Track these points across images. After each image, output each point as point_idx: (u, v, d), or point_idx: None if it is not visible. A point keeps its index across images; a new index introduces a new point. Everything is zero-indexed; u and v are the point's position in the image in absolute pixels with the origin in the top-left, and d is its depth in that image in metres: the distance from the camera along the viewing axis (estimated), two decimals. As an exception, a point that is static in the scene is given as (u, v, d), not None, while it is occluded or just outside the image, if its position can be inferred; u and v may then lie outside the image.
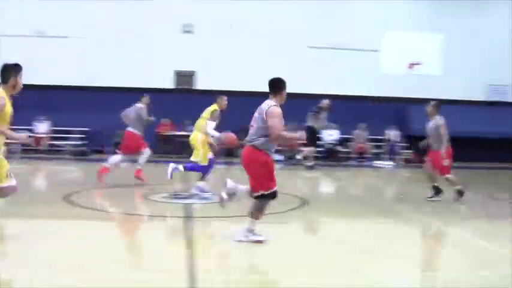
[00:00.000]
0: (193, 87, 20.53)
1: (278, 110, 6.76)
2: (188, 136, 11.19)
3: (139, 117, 12.05)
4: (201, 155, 10.52)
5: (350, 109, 20.79)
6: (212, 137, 10.37)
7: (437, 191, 10.88)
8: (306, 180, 15.58)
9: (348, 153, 20.60)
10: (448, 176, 10.78)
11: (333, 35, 20.13)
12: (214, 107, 10.62)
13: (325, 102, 17.20)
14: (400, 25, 18.73)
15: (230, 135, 9.01)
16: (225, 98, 10.74)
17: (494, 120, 21.71)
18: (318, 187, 14.86)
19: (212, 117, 10.47)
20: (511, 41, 22.54)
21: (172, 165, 10.50)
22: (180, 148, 17.23)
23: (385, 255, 6.66)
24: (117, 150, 12.55)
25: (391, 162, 19.71)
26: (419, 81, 20.19)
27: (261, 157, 6.75)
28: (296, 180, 15.09)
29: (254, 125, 6.86)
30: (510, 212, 10.77)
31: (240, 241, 6.74)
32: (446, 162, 10.63)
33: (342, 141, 20.68)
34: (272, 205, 6.96)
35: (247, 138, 6.92)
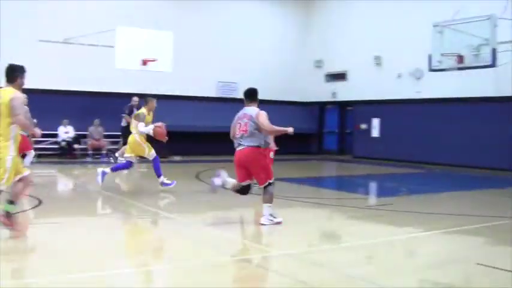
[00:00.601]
0: None
1: (264, 112, 8.38)
2: None
3: None
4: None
5: (85, 105, 20.63)
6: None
7: None
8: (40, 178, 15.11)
9: (85, 149, 20.38)
10: None
11: (65, 30, 19.69)
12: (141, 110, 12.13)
13: (135, 99, 17.97)
14: (132, 21, 19.01)
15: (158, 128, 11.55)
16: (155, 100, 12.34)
17: (223, 115, 23.25)
18: (54, 186, 14.50)
19: (138, 119, 11.93)
20: (238, 40, 24.42)
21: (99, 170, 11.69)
22: None
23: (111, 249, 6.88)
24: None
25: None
26: (153, 78, 20.79)
27: (261, 154, 8.37)
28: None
29: (246, 129, 8.20)
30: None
31: (264, 225, 8.27)
32: None
33: (78, 138, 20.40)
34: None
35: (243, 142, 8.24)
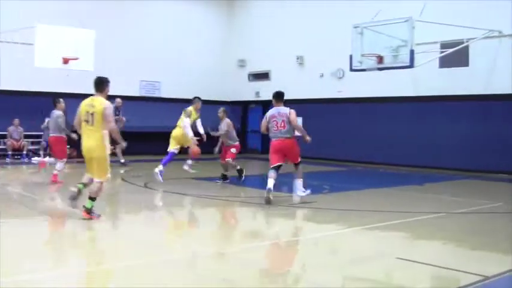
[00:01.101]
0: None
1: (294, 110, 10.91)
2: None
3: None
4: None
5: (3, 104, 19.97)
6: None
7: (225, 177, 13.83)
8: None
9: (4, 150, 19.72)
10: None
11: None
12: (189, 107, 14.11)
13: (119, 101, 18.62)
14: (53, 19, 18.51)
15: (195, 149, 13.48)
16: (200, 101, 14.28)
17: (147, 114, 23.08)
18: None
19: (185, 114, 13.92)
20: (161, 38, 24.23)
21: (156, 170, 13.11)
22: None
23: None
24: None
25: (50, 158, 19.46)
26: (75, 76, 20.32)
27: (295, 142, 10.93)
28: None
29: (284, 125, 10.69)
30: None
31: (300, 196, 10.95)
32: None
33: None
34: None
35: (282, 135, 10.70)
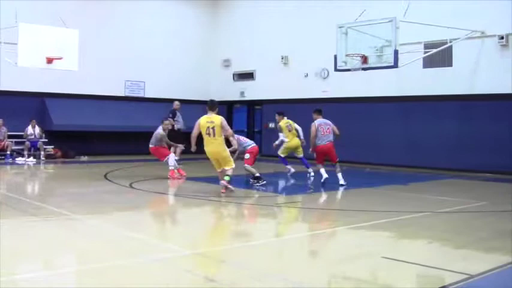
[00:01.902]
0: None
1: None
2: None
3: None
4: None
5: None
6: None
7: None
8: None
9: (-14, 150, 19.57)
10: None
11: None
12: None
13: (177, 103, 19.29)
14: (36, 18, 18.39)
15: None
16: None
17: (131, 114, 23.01)
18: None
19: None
20: (146, 38, 24.16)
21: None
22: None
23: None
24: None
25: (32, 159, 19.37)
26: (59, 76, 20.22)
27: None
28: None
29: (330, 131, 13.84)
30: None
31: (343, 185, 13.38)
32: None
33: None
34: None
35: (329, 139, 13.81)
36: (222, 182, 11.59)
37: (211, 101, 11.97)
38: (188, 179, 14.60)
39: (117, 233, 7.94)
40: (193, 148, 11.94)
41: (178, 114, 19.19)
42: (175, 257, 6.56)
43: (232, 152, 12.71)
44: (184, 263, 6.37)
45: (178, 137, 16.89)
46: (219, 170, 11.81)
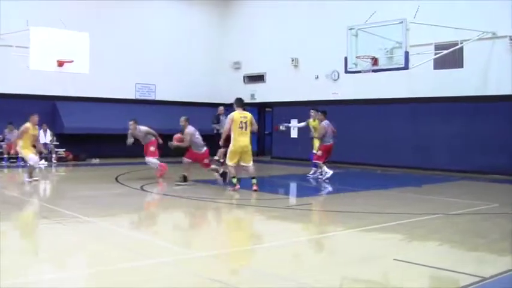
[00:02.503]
0: None
1: None
2: None
3: None
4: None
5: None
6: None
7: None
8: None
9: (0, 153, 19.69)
10: None
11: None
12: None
13: (221, 108, 19.94)
14: (48, 22, 18.47)
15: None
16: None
17: (142, 117, 23.03)
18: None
19: None
20: (156, 41, 24.22)
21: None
22: None
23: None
24: None
25: (44, 161, 19.45)
26: (70, 80, 20.33)
27: None
28: None
29: (334, 133, 15.71)
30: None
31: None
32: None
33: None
34: None
35: (333, 139, 15.65)
36: (254, 182, 12.48)
37: (240, 99, 13.07)
38: (200, 181, 14.59)
39: (128, 236, 7.96)
40: (223, 142, 13.39)
41: (221, 119, 19.17)
42: (187, 259, 6.57)
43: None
44: (196, 264, 6.38)
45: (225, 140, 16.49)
46: (233, 164, 12.57)
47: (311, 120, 16.74)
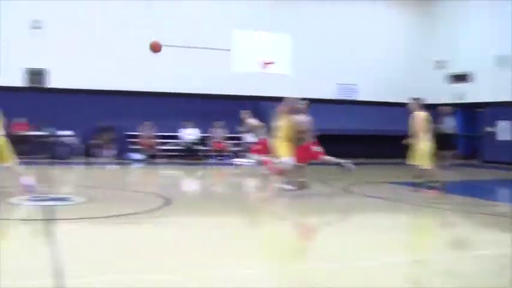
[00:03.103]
0: (46, 86, 19.53)
1: None
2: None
3: None
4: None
5: (207, 107, 21.02)
6: None
7: None
8: (167, 179, 15.68)
9: (207, 151, 20.77)
10: None
11: (184, 34, 19.98)
12: None
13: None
14: (248, 24, 19.04)
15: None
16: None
17: (343, 118, 22.92)
18: (180, 186, 14.92)
19: None
20: (356, 41, 24.01)
21: None
22: (37, 148, 17.25)
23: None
24: None
25: (250, 160, 20.04)
26: (269, 80, 20.79)
27: None
28: (157, 179, 15.25)
29: None
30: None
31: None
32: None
33: (201, 140, 20.94)
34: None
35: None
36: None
37: (421, 99, 12.64)
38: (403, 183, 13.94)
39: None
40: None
41: (445, 118, 18.03)
42: (390, 264, 6.25)
43: None
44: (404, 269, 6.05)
45: (446, 141, 15.59)
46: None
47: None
